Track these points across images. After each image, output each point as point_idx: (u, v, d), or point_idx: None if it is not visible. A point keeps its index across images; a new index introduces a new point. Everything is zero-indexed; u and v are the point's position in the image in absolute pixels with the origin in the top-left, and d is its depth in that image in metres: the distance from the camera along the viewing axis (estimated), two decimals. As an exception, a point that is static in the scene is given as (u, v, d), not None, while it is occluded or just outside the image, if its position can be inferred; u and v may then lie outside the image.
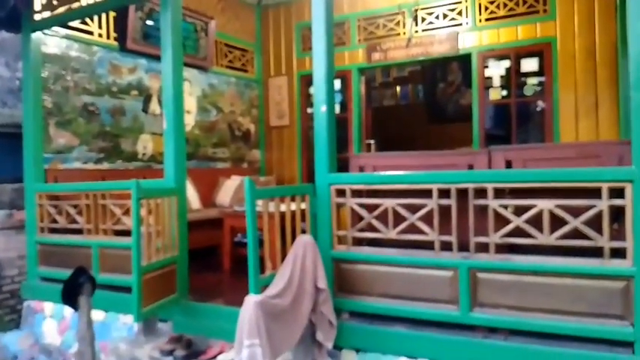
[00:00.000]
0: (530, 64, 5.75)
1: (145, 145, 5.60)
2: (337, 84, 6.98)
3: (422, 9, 6.27)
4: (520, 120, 5.88)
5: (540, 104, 6.50)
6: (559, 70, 5.55)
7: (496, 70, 5.90)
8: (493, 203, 2.68)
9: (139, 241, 3.19)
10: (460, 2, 6.07)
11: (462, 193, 2.75)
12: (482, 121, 5.93)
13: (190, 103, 6.25)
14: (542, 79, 5.87)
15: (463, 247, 2.78)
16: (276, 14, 7.33)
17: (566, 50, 5.51)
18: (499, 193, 2.70)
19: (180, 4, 3.84)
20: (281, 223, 3.09)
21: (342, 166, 6.75)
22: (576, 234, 2.51)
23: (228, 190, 6.43)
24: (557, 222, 2.55)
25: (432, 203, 2.82)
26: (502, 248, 2.72)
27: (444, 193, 2.80)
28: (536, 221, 2.59)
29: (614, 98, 5.30)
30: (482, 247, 2.73)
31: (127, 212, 3.97)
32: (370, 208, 3.01)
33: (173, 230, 3.64)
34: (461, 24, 6.07)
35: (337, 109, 7.11)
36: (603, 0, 5.29)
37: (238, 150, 7.06)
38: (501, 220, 2.69)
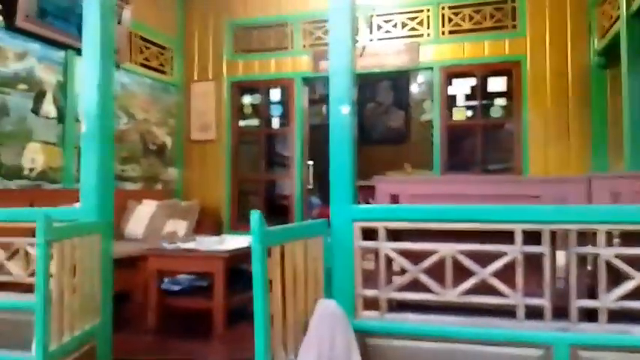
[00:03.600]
0: (497, 84, 5.26)
1: (34, 157, 4.15)
2: (277, 94, 6.02)
3: (378, 15, 5.57)
4: (483, 144, 5.35)
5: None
6: (528, 91, 5.11)
7: (460, 88, 5.34)
8: (605, 252, 1.89)
9: (47, 312, 1.94)
10: (421, 11, 5.46)
11: (557, 238, 1.94)
12: (446, 144, 5.30)
13: (96, 105, 4.88)
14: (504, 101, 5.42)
15: (559, 313, 1.95)
16: (203, 7, 6.19)
17: (537, 70, 5.09)
18: (609, 239, 1.92)
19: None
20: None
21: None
22: None
23: (141, 218, 5.12)
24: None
25: (513, 251, 1.97)
26: (618, 316, 1.93)
27: (531, 237, 1.96)
28: (665, 278, 1.85)
29: (586, 123, 4.95)
30: (588, 315, 1.93)
31: (13, 255, 2.63)
32: (415, 257, 2.08)
33: (94, 287, 2.40)
34: (422, 35, 5.46)
35: (277, 123, 6.13)
36: (576, 18, 4.97)
37: (151, 167, 5.75)
38: (614, 276, 1.91)
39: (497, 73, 5.30)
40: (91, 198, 2.49)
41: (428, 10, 5.44)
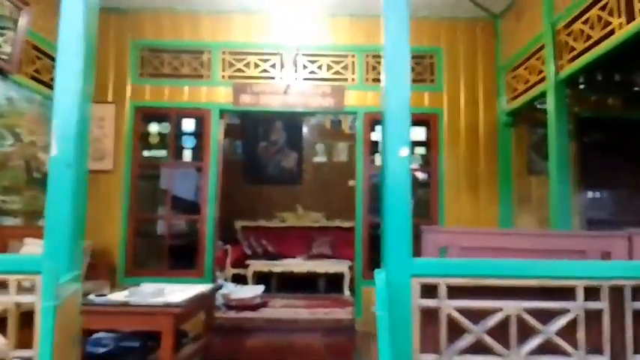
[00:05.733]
0: (417, 133, 5.48)
1: None
2: (190, 124, 5.53)
3: (303, 55, 5.48)
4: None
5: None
6: (445, 143, 5.41)
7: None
8: (658, 307, 1.95)
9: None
10: (346, 56, 5.52)
11: (614, 294, 1.96)
12: (369, 189, 5.32)
13: (-22, 121, 3.95)
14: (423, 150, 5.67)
15: (615, 371, 1.95)
16: (103, 23, 5.43)
17: (452, 124, 5.44)
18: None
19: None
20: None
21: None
22: None
23: (24, 260, 4.17)
24: None
25: (576, 308, 1.93)
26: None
27: (591, 293, 1.95)
28: None
29: (494, 176, 5.37)
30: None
31: None
32: (474, 316, 1.93)
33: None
34: (346, 79, 5.50)
35: (189, 155, 5.60)
36: (487, 80, 5.45)
37: (35, 199, 4.78)
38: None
39: (417, 123, 5.52)
40: (64, 243, 1.90)
41: (353, 56, 5.51)
